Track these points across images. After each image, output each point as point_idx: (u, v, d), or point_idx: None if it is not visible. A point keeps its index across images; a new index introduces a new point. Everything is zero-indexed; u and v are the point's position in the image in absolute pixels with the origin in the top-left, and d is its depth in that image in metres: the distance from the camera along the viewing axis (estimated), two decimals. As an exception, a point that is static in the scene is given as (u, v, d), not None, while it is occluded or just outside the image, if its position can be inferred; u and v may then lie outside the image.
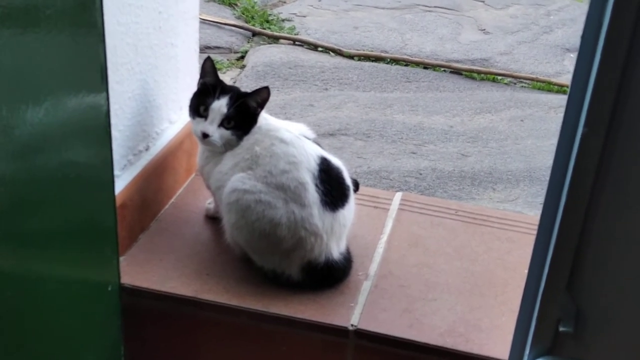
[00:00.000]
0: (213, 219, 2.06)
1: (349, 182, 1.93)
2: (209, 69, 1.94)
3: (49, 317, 1.49)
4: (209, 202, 2.10)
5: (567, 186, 1.28)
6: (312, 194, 1.82)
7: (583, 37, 1.18)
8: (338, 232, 1.87)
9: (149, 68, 1.99)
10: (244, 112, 1.90)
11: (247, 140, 1.90)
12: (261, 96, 1.91)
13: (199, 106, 1.91)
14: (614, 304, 1.37)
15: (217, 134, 1.89)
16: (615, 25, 1.14)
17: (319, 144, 1.94)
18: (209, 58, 1.94)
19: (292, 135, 1.88)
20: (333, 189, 1.86)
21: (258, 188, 1.82)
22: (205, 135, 1.89)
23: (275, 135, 1.87)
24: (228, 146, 1.91)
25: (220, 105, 1.88)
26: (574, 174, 1.26)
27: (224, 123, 1.89)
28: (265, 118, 1.96)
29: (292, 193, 1.81)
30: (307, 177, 1.82)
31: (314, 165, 1.84)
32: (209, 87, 1.91)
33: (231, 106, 1.88)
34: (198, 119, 1.91)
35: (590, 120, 1.21)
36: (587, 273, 1.34)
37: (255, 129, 1.92)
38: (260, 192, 1.81)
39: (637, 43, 1.15)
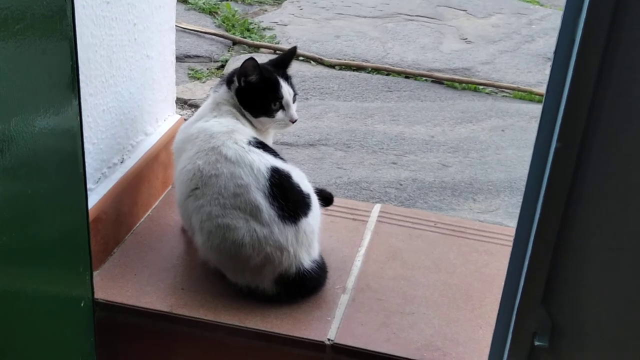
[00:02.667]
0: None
1: (307, 189, 1.89)
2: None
3: (20, 333, 1.47)
4: None
5: (542, 200, 1.28)
6: (268, 213, 1.79)
7: (556, 52, 1.18)
8: (305, 241, 1.84)
9: (123, 80, 1.97)
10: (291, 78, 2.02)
11: (190, 146, 1.87)
12: (291, 55, 2.04)
13: (270, 104, 1.94)
14: (589, 318, 1.37)
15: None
16: (588, 41, 1.14)
17: (264, 146, 1.89)
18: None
19: (236, 150, 1.82)
20: (289, 201, 1.82)
21: (214, 213, 1.80)
22: (295, 121, 1.98)
23: (220, 150, 1.83)
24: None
25: (287, 90, 1.96)
26: (548, 189, 1.26)
27: (294, 100, 1.99)
28: (202, 117, 1.95)
29: (248, 214, 1.79)
30: (259, 198, 1.79)
31: (263, 182, 1.80)
32: (263, 83, 1.94)
33: (290, 83, 1.99)
34: (278, 113, 1.95)
35: (564, 135, 1.21)
36: (562, 288, 1.34)
37: (194, 132, 1.90)
38: (217, 217, 1.80)
39: (609, 59, 1.15)
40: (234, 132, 1.87)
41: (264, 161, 1.82)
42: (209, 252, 1.85)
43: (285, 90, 1.95)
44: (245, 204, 1.78)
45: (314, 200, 1.90)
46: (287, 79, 1.99)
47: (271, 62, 2.03)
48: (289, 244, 1.81)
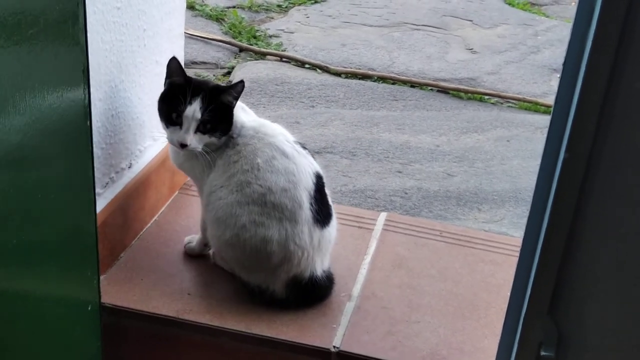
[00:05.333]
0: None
1: (330, 200, 1.94)
2: (175, 69, 1.82)
3: (26, 336, 1.47)
4: (188, 242, 2.03)
5: (549, 211, 1.28)
6: (306, 212, 1.83)
7: (565, 64, 1.18)
8: (324, 248, 1.88)
9: (132, 86, 1.98)
10: (221, 111, 1.81)
11: (244, 146, 1.85)
12: (237, 90, 1.82)
13: (170, 113, 1.80)
14: (596, 329, 1.37)
15: (194, 141, 1.80)
16: (597, 53, 1.14)
17: (304, 147, 1.92)
18: (174, 58, 1.82)
19: (291, 148, 1.86)
20: (323, 207, 1.87)
21: (255, 211, 1.81)
22: (183, 146, 1.81)
23: (277, 146, 1.84)
24: (210, 147, 1.84)
25: (193, 111, 1.78)
26: (555, 199, 1.27)
27: (200, 128, 1.80)
28: (247, 113, 1.93)
29: (288, 211, 1.81)
30: (304, 196, 1.82)
31: (310, 184, 1.84)
32: (177, 89, 1.80)
33: (205, 109, 1.79)
34: (172, 128, 1.81)
35: (572, 145, 1.22)
36: (568, 298, 1.34)
37: (249, 131, 1.87)
38: (256, 213, 1.81)
39: (618, 70, 1.15)
40: (282, 130, 1.92)
41: (311, 164, 1.87)
42: (233, 247, 1.85)
43: (191, 109, 1.79)
44: (288, 200, 1.80)
45: (334, 213, 1.94)
46: (209, 102, 1.80)
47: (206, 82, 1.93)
48: (311, 246, 1.84)
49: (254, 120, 1.92)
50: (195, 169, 1.91)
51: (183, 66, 1.91)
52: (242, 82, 1.83)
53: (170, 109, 1.81)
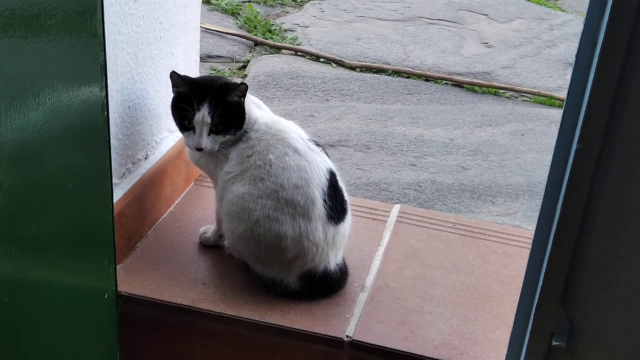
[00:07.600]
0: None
1: (346, 196, 1.95)
2: (177, 80, 1.88)
3: (44, 324, 1.50)
4: (203, 232, 2.07)
5: (561, 202, 1.29)
6: (319, 209, 1.84)
7: (577, 55, 1.19)
8: (338, 243, 1.90)
9: (149, 77, 2.00)
10: (230, 111, 1.86)
11: (258, 141, 1.88)
12: (240, 89, 1.86)
13: (182, 120, 1.88)
14: (607, 319, 1.37)
15: (209, 143, 1.87)
16: (609, 44, 1.15)
17: (318, 144, 1.94)
18: (173, 72, 1.88)
19: (304, 145, 1.88)
20: (337, 203, 1.89)
21: (268, 205, 1.83)
22: (199, 149, 1.88)
23: (289, 143, 1.87)
24: (227, 143, 1.90)
25: (202, 116, 1.84)
26: (567, 190, 1.27)
27: (213, 130, 1.87)
28: (261, 109, 1.95)
29: (301, 208, 1.83)
30: (317, 193, 1.84)
31: (324, 181, 1.86)
32: (184, 97, 1.86)
33: (214, 113, 1.84)
34: (187, 133, 1.89)
35: (584, 136, 1.23)
36: (580, 288, 1.35)
37: (262, 127, 1.90)
38: (269, 208, 1.83)
39: (630, 61, 1.16)
40: (296, 128, 1.93)
41: (324, 162, 1.89)
42: (246, 241, 1.87)
43: (200, 115, 1.84)
44: (301, 197, 1.82)
45: (349, 208, 1.96)
46: (216, 106, 1.85)
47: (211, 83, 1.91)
48: (326, 242, 1.86)
49: (267, 117, 1.95)
50: (210, 164, 1.95)
51: (196, 59, 1.93)
52: (244, 83, 1.87)
53: (181, 116, 1.89)
